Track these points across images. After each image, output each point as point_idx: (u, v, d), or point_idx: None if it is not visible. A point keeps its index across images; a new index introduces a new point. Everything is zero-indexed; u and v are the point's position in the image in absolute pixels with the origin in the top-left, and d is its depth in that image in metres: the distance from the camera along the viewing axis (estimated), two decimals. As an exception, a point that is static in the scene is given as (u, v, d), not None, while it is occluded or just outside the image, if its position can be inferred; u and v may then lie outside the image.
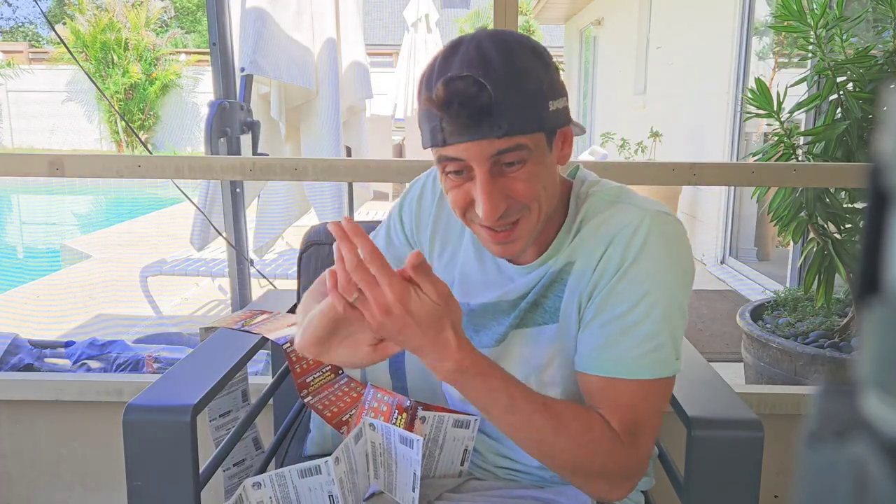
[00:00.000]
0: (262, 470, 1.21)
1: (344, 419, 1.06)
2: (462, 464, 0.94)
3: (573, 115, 0.84)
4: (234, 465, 1.23)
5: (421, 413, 0.93)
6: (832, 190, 2.09)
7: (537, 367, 0.85)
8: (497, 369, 0.74)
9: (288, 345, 1.14)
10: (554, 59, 0.78)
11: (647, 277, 0.76)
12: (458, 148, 0.72)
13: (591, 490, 0.81)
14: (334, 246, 0.70)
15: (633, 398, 0.76)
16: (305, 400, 1.11)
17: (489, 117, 0.70)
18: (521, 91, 0.71)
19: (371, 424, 0.89)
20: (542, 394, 0.81)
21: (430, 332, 0.70)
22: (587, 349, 0.79)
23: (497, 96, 0.70)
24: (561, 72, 0.84)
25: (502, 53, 0.72)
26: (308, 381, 1.13)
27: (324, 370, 1.17)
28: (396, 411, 0.96)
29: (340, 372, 1.20)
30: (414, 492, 0.84)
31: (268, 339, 1.16)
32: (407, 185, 1.00)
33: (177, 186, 2.03)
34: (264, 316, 1.27)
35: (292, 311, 1.38)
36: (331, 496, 0.84)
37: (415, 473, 0.84)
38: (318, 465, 0.82)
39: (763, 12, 4.41)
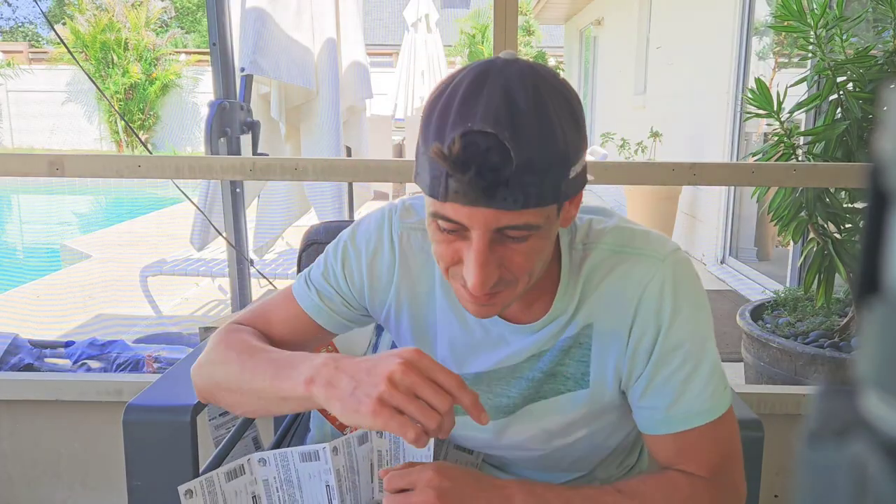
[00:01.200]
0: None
1: None
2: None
3: None
4: (235, 464, 1.23)
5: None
6: (832, 190, 2.09)
7: (561, 432, 0.82)
8: (545, 488, 0.74)
9: None
10: (577, 98, 0.67)
11: (690, 330, 0.75)
12: (459, 211, 0.63)
13: None
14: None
15: (714, 439, 0.76)
16: None
17: (505, 189, 0.61)
18: (545, 158, 0.61)
19: (378, 431, 0.87)
20: (568, 456, 0.83)
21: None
22: (653, 412, 0.77)
23: (519, 166, 0.60)
24: (561, 72, 0.80)
25: (534, 107, 0.61)
26: None
27: None
28: None
29: None
30: None
31: None
32: (355, 228, 0.85)
33: (177, 186, 2.03)
34: None
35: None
36: (328, 486, 0.83)
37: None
38: (317, 451, 0.82)
39: (763, 12, 4.41)
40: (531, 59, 0.68)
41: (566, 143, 0.63)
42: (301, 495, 0.84)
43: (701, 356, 0.75)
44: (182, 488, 0.80)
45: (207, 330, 1.23)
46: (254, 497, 0.84)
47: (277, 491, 0.84)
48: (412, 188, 7.63)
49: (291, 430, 1.32)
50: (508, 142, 0.59)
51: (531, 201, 0.62)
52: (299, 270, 1.39)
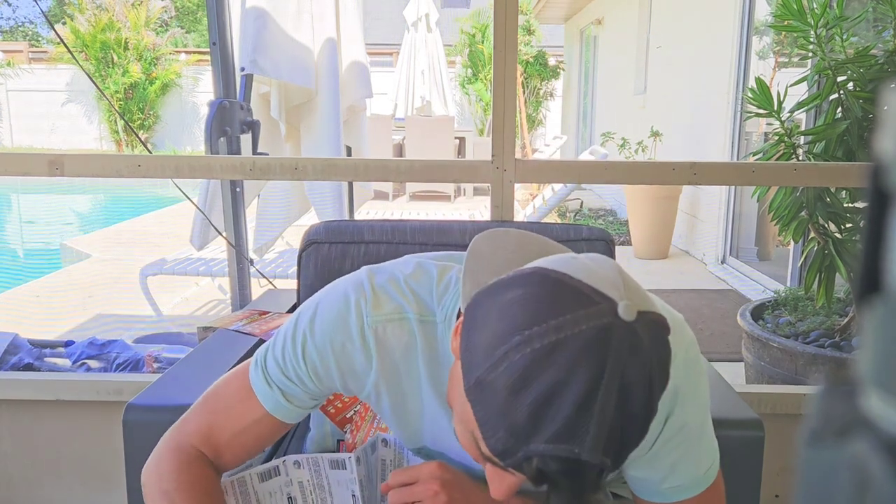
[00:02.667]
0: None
1: (348, 416, 1.06)
2: None
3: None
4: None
5: None
6: (833, 189, 2.09)
7: None
8: None
9: None
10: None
11: (691, 412, 0.73)
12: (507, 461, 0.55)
13: None
14: None
15: (706, 502, 0.76)
16: None
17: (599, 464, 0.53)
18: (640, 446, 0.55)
19: (384, 440, 0.87)
20: None
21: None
22: (645, 483, 0.76)
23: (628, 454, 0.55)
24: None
25: (644, 415, 0.53)
26: None
27: None
28: None
29: None
30: None
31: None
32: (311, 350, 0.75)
33: (177, 186, 2.03)
34: (262, 316, 1.27)
35: (291, 310, 1.38)
36: (353, 496, 0.84)
37: None
38: (344, 460, 0.82)
39: (763, 12, 4.41)
40: (653, 318, 0.54)
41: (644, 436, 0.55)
42: (332, 501, 0.85)
43: (700, 434, 0.75)
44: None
45: (206, 329, 1.23)
46: (289, 498, 0.84)
47: (311, 493, 0.85)
48: (412, 188, 7.63)
49: (291, 429, 1.32)
50: (608, 467, 0.53)
51: (612, 469, 0.55)
52: (299, 270, 1.39)
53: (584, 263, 0.56)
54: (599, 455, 0.51)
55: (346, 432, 1.01)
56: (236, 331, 1.19)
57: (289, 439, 1.30)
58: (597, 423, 0.50)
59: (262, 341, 1.16)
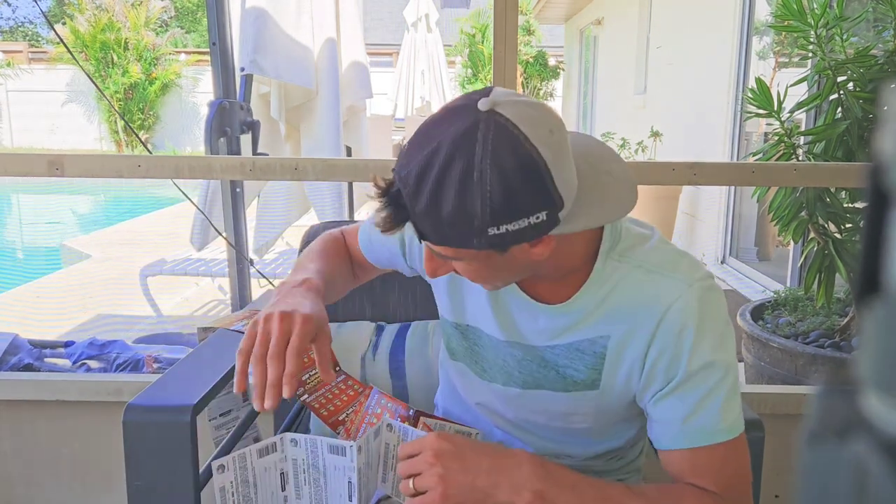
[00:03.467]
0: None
1: (340, 418, 1.06)
2: None
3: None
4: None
5: (423, 421, 0.93)
6: (833, 189, 2.09)
7: (564, 415, 0.86)
8: (553, 465, 0.76)
9: None
10: (555, 170, 0.67)
11: (712, 356, 0.76)
12: None
13: None
14: None
15: (727, 459, 0.77)
16: (302, 398, 1.10)
17: (404, 221, 0.70)
18: (437, 214, 0.66)
19: (389, 425, 0.89)
20: (571, 437, 0.87)
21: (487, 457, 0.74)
22: (669, 426, 0.78)
23: (413, 215, 0.68)
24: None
25: (438, 177, 0.65)
26: (304, 378, 1.13)
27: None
28: (399, 419, 0.96)
29: (338, 369, 1.20)
30: None
31: None
32: None
33: (176, 186, 2.03)
34: None
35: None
36: (349, 483, 0.85)
37: None
38: (345, 448, 0.84)
39: (763, 12, 4.41)
40: (515, 109, 0.67)
41: (467, 213, 0.65)
42: (325, 482, 0.86)
43: (722, 380, 0.76)
44: (215, 463, 0.83)
45: (206, 330, 1.23)
46: (282, 474, 0.87)
47: (304, 472, 0.86)
48: (412, 188, 7.61)
49: (291, 429, 1.32)
50: (407, 196, 0.67)
51: (431, 240, 0.70)
52: (299, 270, 1.39)
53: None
54: (402, 180, 0.67)
55: (338, 434, 1.02)
56: (237, 331, 1.19)
57: (289, 439, 1.31)
58: (417, 158, 0.66)
59: None
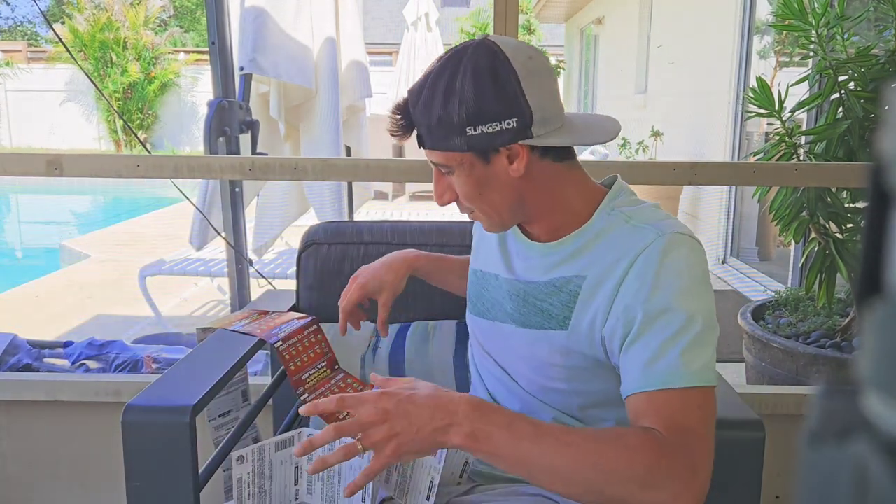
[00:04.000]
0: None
1: (341, 417, 1.06)
2: (461, 475, 0.94)
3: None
4: (234, 464, 1.23)
5: None
6: (834, 189, 2.09)
7: (542, 365, 0.88)
8: (490, 407, 0.76)
9: (280, 343, 1.14)
10: (525, 84, 0.80)
11: (676, 298, 0.77)
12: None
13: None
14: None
15: (683, 407, 0.75)
16: (302, 397, 1.10)
17: (410, 131, 0.85)
18: (429, 115, 0.81)
19: None
20: (550, 384, 0.88)
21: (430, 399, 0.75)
22: (633, 370, 0.78)
23: (415, 118, 0.84)
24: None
25: (433, 82, 0.81)
26: (303, 378, 1.13)
27: (319, 366, 1.16)
28: None
29: (337, 367, 1.19)
30: (429, 500, 0.83)
31: (265, 340, 1.16)
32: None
33: (176, 186, 2.03)
34: (262, 316, 1.26)
35: (291, 311, 1.37)
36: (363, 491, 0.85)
37: (432, 481, 0.83)
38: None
39: (764, 11, 4.41)
40: (504, 40, 0.83)
41: (454, 110, 0.79)
42: (339, 480, 0.87)
43: (684, 328, 0.76)
44: (235, 454, 0.84)
45: (205, 331, 1.22)
46: (296, 468, 0.89)
47: None
48: (412, 188, 7.63)
49: (291, 429, 1.32)
50: (410, 105, 0.84)
51: (427, 144, 0.84)
52: (298, 271, 1.39)
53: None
54: (409, 92, 0.84)
55: (299, 395, 1.06)
56: (236, 331, 1.18)
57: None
58: (421, 78, 0.84)
59: (262, 342, 1.16)
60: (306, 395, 1.11)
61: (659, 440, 0.72)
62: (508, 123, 0.79)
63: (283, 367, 1.20)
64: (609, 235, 0.84)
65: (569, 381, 0.87)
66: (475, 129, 0.79)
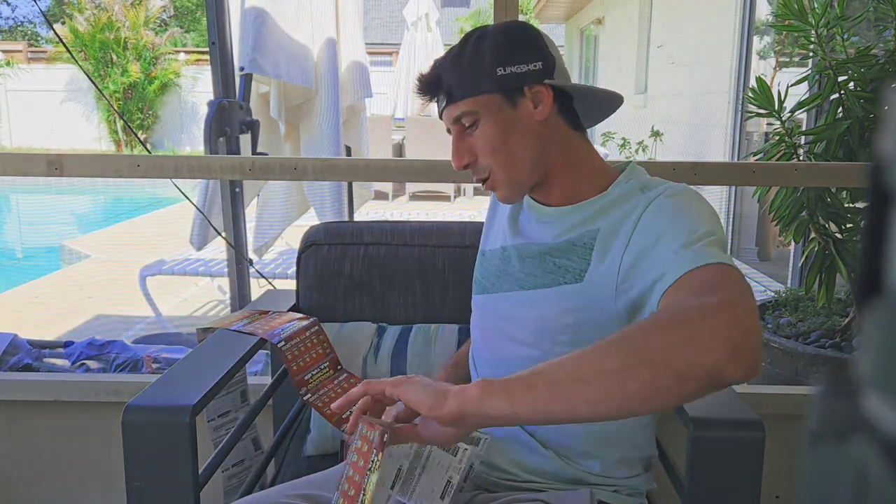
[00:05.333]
0: (262, 470, 1.20)
1: (344, 416, 1.06)
2: (465, 479, 0.89)
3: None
4: (233, 465, 1.23)
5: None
6: (833, 189, 2.09)
7: (547, 329, 0.88)
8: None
9: (283, 343, 1.14)
10: (544, 39, 0.90)
11: (695, 217, 0.79)
12: (442, 116, 0.92)
13: (708, 364, 0.61)
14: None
15: (723, 277, 0.68)
16: (305, 398, 1.10)
17: (438, 90, 0.90)
18: (460, 65, 0.88)
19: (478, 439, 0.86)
20: (556, 347, 0.87)
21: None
22: (658, 266, 0.74)
23: (444, 75, 0.89)
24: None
25: (461, 45, 0.89)
26: (306, 378, 1.13)
27: (322, 366, 1.16)
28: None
29: (339, 367, 1.19)
30: (443, 500, 0.80)
31: (267, 340, 1.16)
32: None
33: (176, 186, 2.03)
34: (262, 316, 1.26)
35: (291, 310, 1.37)
36: (448, 482, 0.80)
37: (449, 481, 0.79)
38: (458, 447, 0.81)
39: (764, 11, 4.41)
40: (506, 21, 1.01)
41: (483, 52, 0.87)
42: (422, 473, 0.82)
43: (708, 234, 0.74)
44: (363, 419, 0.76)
45: (205, 331, 1.22)
46: (398, 469, 0.82)
47: (414, 471, 0.82)
48: (412, 188, 7.63)
49: (291, 430, 1.32)
50: (436, 66, 0.91)
51: (455, 96, 0.88)
52: (298, 271, 1.39)
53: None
54: (447, 64, 0.90)
55: (343, 430, 1.00)
56: (237, 331, 1.18)
57: (289, 440, 1.30)
58: (455, 47, 0.91)
59: (263, 341, 1.16)
60: (309, 395, 1.11)
61: (696, 305, 0.64)
62: (534, 66, 0.87)
63: (283, 367, 1.20)
64: (623, 197, 0.88)
65: (572, 344, 0.84)
66: (504, 70, 0.86)
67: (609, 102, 0.97)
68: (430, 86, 0.90)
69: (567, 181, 0.92)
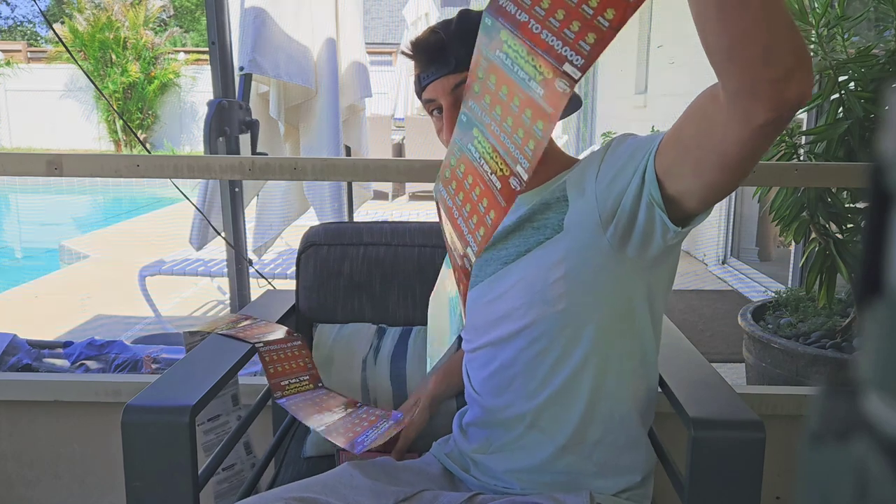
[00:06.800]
0: (258, 475, 1.20)
1: (283, 383, 1.11)
2: None
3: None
4: (224, 469, 1.23)
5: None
6: (834, 190, 2.09)
7: (541, 289, 0.87)
8: None
9: (261, 345, 1.14)
10: None
11: (646, 135, 0.81)
12: (428, 90, 0.89)
13: (783, 63, 0.62)
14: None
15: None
16: (279, 401, 1.10)
17: (442, 55, 0.86)
18: (468, 30, 0.81)
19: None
20: (551, 308, 0.86)
21: None
22: (634, 166, 0.78)
23: (447, 38, 0.86)
24: None
25: (464, 18, 0.87)
26: (283, 383, 1.13)
27: (301, 378, 1.16)
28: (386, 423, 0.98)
29: (320, 385, 1.19)
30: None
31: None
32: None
33: (175, 186, 2.03)
34: (251, 324, 1.26)
35: (290, 311, 1.38)
36: None
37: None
38: None
39: (763, 12, 4.40)
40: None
41: (467, 23, 0.85)
42: None
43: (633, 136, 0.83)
44: None
45: (192, 335, 1.22)
46: None
47: None
48: (412, 188, 7.63)
49: (291, 431, 1.32)
50: (437, 28, 0.88)
51: (463, 63, 0.82)
52: (298, 272, 1.39)
53: None
54: (447, 28, 0.88)
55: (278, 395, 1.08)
56: (224, 335, 1.18)
57: (288, 441, 1.30)
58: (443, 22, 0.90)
59: (253, 347, 1.15)
60: (284, 399, 1.10)
61: None
62: None
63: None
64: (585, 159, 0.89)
65: (568, 296, 0.85)
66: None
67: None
68: (434, 52, 0.87)
69: (541, 167, 0.89)
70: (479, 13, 0.83)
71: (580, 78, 0.61)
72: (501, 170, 0.70)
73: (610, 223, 0.81)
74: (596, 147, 5.54)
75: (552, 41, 0.63)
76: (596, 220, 0.82)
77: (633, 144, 0.81)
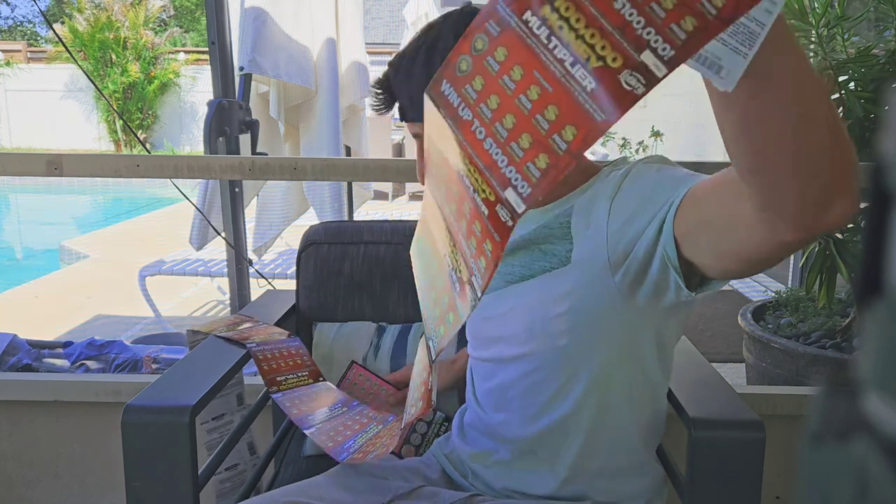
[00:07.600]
0: (259, 475, 1.20)
1: (279, 378, 1.11)
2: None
3: None
4: (227, 469, 1.23)
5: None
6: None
7: (543, 320, 0.82)
8: None
9: (254, 345, 1.14)
10: None
11: (663, 169, 0.75)
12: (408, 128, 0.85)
13: (834, 185, 0.51)
14: None
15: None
16: (273, 396, 1.10)
17: (391, 103, 0.84)
18: (410, 83, 0.78)
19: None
20: (551, 342, 0.82)
21: None
22: (651, 214, 0.71)
23: (395, 88, 0.82)
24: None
25: (413, 51, 0.79)
26: (278, 379, 1.12)
27: (300, 374, 1.15)
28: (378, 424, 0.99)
29: (321, 379, 1.19)
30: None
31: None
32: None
33: (175, 186, 2.03)
34: (248, 324, 1.26)
35: (290, 311, 1.38)
36: None
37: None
38: None
39: (763, 12, 4.40)
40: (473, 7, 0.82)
41: (432, 73, 0.66)
42: None
43: (659, 169, 0.76)
44: None
45: (195, 333, 1.22)
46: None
47: None
48: (412, 188, 7.63)
49: (291, 431, 1.32)
50: (391, 78, 0.82)
51: (408, 116, 0.81)
52: (298, 271, 1.39)
53: None
54: (399, 80, 0.81)
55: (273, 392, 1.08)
56: (221, 337, 1.18)
57: (288, 441, 1.30)
58: (407, 53, 0.80)
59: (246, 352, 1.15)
60: (279, 394, 1.10)
61: None
62: None
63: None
64: (598, 181, 0.83)
65: (570, 334, 0.81)
66: None
67: None
68: (385, 100, 0.83)
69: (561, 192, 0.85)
70: (422, 48, 0.77)
71: (524, 212, 0.45)
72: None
73: (620, 267, 0.76)
74: (598, 148, 5.52)
75: (497, 156, 0.46)
76: (604, 260, 0.77)
77: (652, 182, 0.73)
